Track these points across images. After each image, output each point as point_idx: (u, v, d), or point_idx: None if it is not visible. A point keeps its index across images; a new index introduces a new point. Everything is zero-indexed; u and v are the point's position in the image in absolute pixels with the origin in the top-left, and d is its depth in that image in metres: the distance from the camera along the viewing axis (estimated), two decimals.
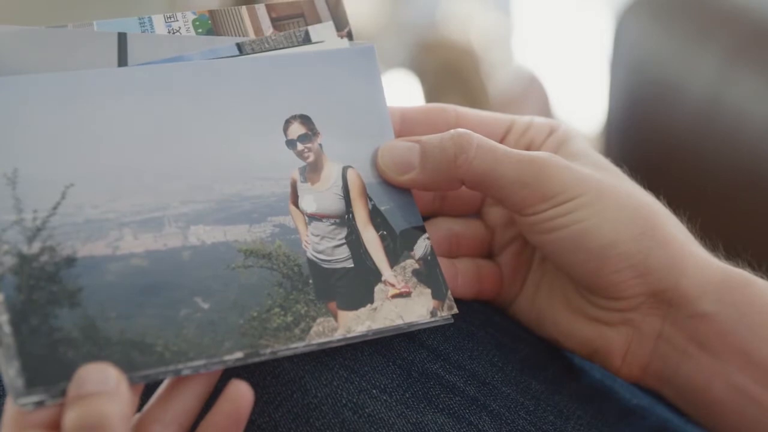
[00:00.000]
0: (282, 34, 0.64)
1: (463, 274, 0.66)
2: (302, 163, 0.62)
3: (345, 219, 0.62)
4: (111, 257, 0.57)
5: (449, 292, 0.62)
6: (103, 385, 0.53)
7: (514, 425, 0.63)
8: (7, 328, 0.54)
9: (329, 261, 0.61)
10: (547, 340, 0.67)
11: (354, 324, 0.60)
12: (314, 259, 0.61)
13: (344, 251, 0.61)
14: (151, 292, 0.57)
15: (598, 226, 0.61)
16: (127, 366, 0.54)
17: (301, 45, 0.64)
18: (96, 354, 0.54)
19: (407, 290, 0.61)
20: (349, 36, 0.65)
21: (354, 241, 0.62)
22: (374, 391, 0.61)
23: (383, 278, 0.61)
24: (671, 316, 0.62)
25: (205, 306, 0.57)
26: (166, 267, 0.57)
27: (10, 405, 0.53)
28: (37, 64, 0.59)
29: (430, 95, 2.04)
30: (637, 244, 0.61)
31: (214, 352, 0.56)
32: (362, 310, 0.60)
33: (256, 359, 0.57)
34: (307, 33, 0.64)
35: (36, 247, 0.55)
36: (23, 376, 0.53)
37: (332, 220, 0.62)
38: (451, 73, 2.06)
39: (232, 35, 0.63)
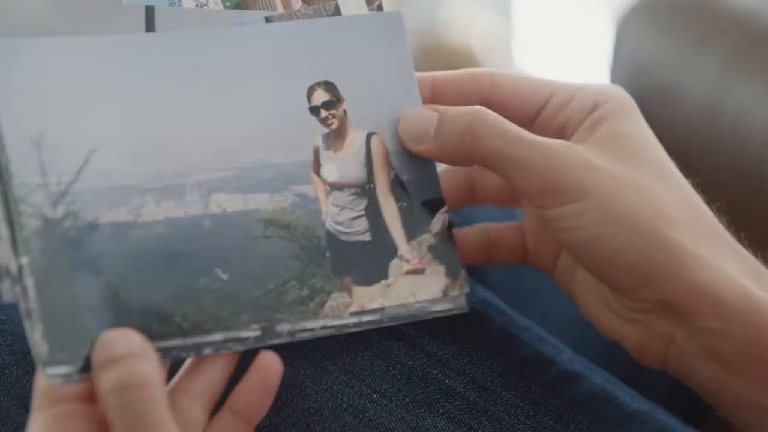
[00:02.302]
0: (311, 7, 0.63)
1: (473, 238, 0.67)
2: (325, 130, 0.62)
3: (366, 189, 0.62)
4: (133, 223, 0.56)
5: (463, 270, 0.62)
6: (132, 347, 0.53)
7: (514, 430, 0.63)
8: (32, 292, 0.54)
9: (347, 233, 0.61)
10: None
11: (367, 300, 0.60)
12: (333, 230, 0.60)
13: (363, 223, 0.61)
14: (171, 261, 0.57)
15: (605, 236, 0.60)
16: (146, 336, 0.54)
17: None
18: (117, 322, 0.54)
19: (421, 266, 0.61)
20: (379, 10, 0.64)
21: (373, 213, 0.61)
22: (374, 395, 0.61)
23: (399, 253, 0.61)
24: (682, 325, 0.61)
25: (224, 277, 0.57)
26: (187, 235, 0.57)
27: (40, 381, 0.54)
28: (64, 34, 0.58)
29: None
30: (642, 255, 0.60)
31: (231, 324, 0.57)
32: (376, 286, 0.60)
33: (276, 341, 0.58)
34: (336, 6, 0.63)
35: (60, 211, 0.55)
36: (47, 340, 0.53)
37: (353, 190, 0.61)
38: None
39: (261, 10, 0.62)
